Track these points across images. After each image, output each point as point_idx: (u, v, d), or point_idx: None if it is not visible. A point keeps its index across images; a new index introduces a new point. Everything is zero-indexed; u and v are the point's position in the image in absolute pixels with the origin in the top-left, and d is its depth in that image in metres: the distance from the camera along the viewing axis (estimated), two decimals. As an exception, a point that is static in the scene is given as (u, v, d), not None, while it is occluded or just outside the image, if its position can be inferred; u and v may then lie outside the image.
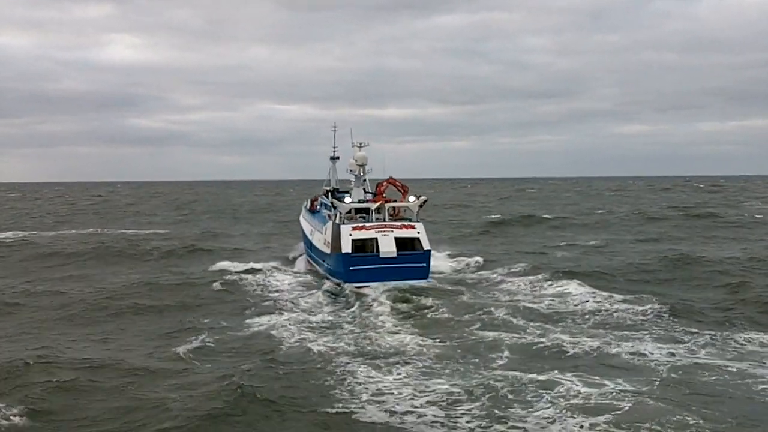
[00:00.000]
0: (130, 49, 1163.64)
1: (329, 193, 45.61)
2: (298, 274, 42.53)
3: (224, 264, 44.43)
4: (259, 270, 42.45)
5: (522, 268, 41.87)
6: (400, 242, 37.59)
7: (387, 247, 37.15)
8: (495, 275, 40.77)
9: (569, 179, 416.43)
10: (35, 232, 72.62)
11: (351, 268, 36.90)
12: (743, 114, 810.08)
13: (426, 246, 37.97)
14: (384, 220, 39.14)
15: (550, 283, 37.12)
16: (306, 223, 48.50)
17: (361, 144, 43.60)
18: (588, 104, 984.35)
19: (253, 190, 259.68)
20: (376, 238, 37.46)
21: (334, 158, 48.06)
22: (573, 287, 35.47)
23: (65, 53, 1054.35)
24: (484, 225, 76.50)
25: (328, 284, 37.79)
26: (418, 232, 38.05)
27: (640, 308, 30.69)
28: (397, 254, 37.13)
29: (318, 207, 47.19)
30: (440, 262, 44.22)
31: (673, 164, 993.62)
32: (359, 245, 37.46)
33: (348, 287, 36.19)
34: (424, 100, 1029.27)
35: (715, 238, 59.90)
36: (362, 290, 35.44)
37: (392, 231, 37.83)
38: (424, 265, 37.83)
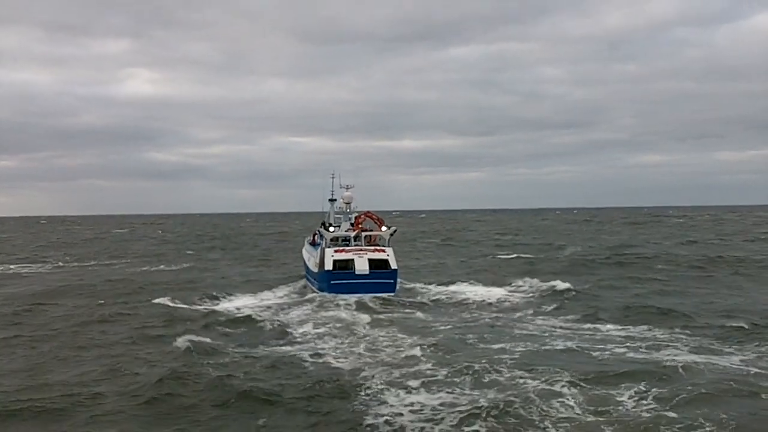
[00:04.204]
0: (148, 84, 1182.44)
1: (323, 225, 54.30)
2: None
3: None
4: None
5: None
6: (373, 262, 46.63)
7: (361, 266, 46.29)
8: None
9: (587, 209, 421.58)
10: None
11: (332, 282, 46.01)
12: (763, 142, 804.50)
13: (393, 266, 46.99)
14: (361, 246, 48.77)
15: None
16: (306, 253, 56.38)
17: (348, 186, 52.28)
18: (606, 134, 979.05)
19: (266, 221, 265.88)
20: (353, 259, 46.71)
21: (332, 200, 55.90)
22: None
23: (85, 89, 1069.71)
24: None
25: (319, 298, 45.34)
26: (388, 255, 47.26)
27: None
28: (370, 272, 46.17)
29: (318, 240, 52.94)
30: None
31: (692, 194, 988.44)
32: (340, 264, 46.68)
33: (332, 297, 44.23)
34: (439, 131, 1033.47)
35: None
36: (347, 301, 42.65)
37: (366, 254, 47.14)
38: (392, 281, 46.74)
